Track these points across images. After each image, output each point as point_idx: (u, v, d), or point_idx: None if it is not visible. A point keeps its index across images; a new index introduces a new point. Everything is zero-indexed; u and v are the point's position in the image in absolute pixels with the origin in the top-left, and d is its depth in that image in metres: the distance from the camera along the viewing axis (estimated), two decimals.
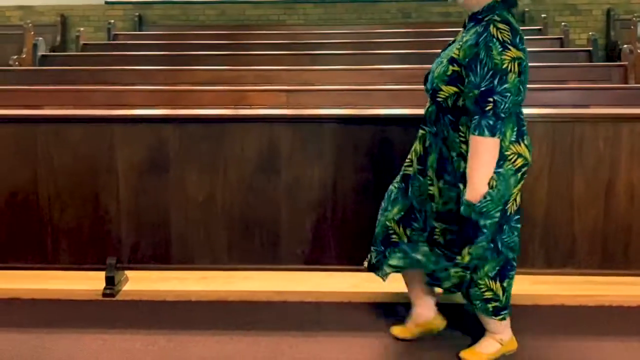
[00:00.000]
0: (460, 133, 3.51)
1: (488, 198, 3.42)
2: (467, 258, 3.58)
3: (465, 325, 4.11)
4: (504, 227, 3.61)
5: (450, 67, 3.49)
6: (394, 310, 4.35)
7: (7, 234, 4.66)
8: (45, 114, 4.87)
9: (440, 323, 4.04)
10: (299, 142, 4.52)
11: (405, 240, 3.80)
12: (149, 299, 4.52)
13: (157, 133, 4.57)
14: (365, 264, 3.97)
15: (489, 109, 3.35)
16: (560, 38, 8.51)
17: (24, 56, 8.73)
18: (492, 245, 3.61)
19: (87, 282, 4.64)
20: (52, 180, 4.60)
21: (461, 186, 3.51)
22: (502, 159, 3.45)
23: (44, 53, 7.73)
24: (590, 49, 7.53)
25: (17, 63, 7.85)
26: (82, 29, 9.25)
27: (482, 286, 3.70)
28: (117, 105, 5.35)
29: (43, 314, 4.35)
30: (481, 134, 3.36)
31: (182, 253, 4.62)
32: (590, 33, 8.07)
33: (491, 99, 3.34)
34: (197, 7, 11.47)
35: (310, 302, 4.43)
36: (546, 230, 4.50)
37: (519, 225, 3.69)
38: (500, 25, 3.39)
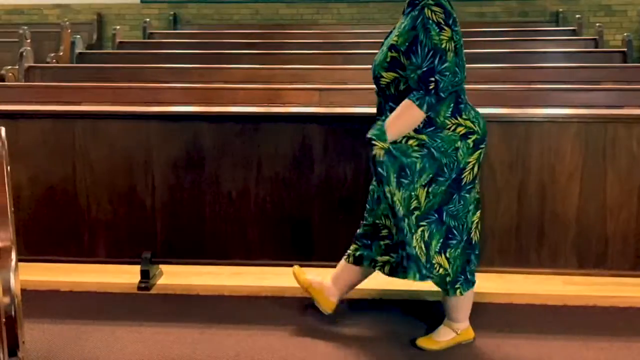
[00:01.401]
0: None
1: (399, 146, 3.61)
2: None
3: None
4: (454, 195, 3.73)
5: (389, 54, 3.66)
6: (424, 307, 4.37)
7: (46, 227, 4.74)
8: (83, 110, 4.94)
9: (329, 306, 4.11)
10: (332, 140, 4.55)
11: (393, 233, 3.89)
12: (183, 293, 4.58)
13: (192, 130, 4.62)
14: (350, 259, 4.06)
15: (432, 88, 3.51)
16: (595, 39, 8.47)
17: (61, 53, 8.83)
18: (436, 215, 3.71)
19: (123, 276, 4.71)
20: (90, 175, 4.67)
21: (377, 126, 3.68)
22: (438, 129, 3.62)
23: (81, 51, 7.81)
24: (625, 49, 7.48)
25: (54, 60, 7.94)
26: (118, 27, 9.34)
27: (435, 265, 3.76)
28: (153, 102, 5.41)
29: (80, 306, 4.42)
30: (420, 106, 3.54)
31: (215, 248, 4.66)
32: (625, 34, 8.03)
33: (433, 79, 3.51)
34: (231, 7, 11.54)
35: (343, 299, 4.46)
36: (579, 231, 4.49)
37: (467, 195, 3.76)
38: (435, 8, 3.56)
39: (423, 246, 3.71)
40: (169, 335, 4.07)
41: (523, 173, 4.46)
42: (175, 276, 4.77)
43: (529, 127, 4.45)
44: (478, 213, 3.85)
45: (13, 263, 3.08)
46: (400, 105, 3.61)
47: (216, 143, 4.61)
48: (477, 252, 3.89)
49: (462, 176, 3.70)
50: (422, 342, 3.96)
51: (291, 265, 4.41)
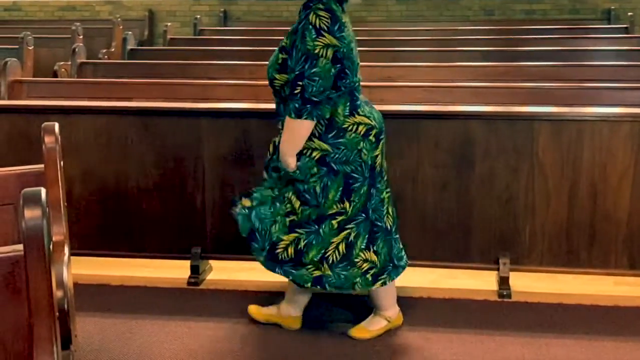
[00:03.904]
0: None
1: (303, 165, 3.69)
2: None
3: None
4: (372, 190, 3.80)
5: (280, 55, 3.72)
6: (470, 307, 4.36)
7: (97, 222, 4.81)
8: (135, 106, 4.98)
9: (294, 323, 4.15)
10: None
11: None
12: (232, 288, 4.62)
13: (242, 126, 4.65)
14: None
15: (297, 92, 3.58)
16: None
17: (113, 50, 8.91)
18: (363, 215, 3.79)
19: (173, 271, 4.76)
20: (141, 170, 4.73)
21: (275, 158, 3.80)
22: (340, 131, 3.70)
23: (132, 47, 7.88)
24: None
25: (106, 56, 8.02)
26: (169, 24, 9.42)
27: (358, 262, 3.83)
28: (204, 99, 5.44)
29: (131, 300, 4.48)
30: (289, 115, 3.62)
31: None
32: None
33: (300, 83, 3.57)
34: (281, 4, 11.57)
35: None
36: (630, 231, 4.44)
37: (379, 186, 3.85)
38: (321, 13, 3.58)
39: (343, 248, 3.80)
40: (218, 330, 4.11)
41: (574, 172, 4.42)
42: (224, 271, 4.82)
43: (580, 126, 4.41)
44: (388, 199, 3.94)
45: (66, 257, 3.13)
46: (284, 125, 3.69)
47: (266, 140, 4.61)
48: (396, 236, 3.99)
49: (375, 171, 3.80)
50: (354, 332, 4.03)
51: None
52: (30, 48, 7.64)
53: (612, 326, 4.13)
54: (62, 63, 7.06)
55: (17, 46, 7.61)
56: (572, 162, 4.42)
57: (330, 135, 3.69)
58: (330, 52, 3.56)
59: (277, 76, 3.74)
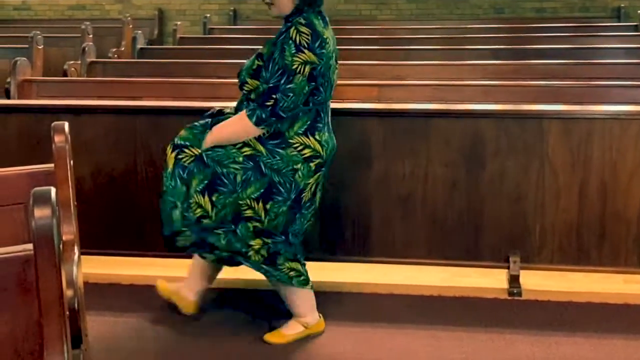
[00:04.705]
0: None
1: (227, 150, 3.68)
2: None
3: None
4: (297, 214, 3.79)
5: (256, 62, 3.75)
6: (480, 305, 4.36)
7: (107, 221, 4.82)
8: (144, 105, 4.99)
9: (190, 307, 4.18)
10: (390, 136, 4.55)
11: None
12: (243, 287, 4.61)
13: None
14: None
15: (269, 105, 3.59)
16: None
17: (122, 49, 8.92)
18: (283, 237, 3.79)
19: (183, 270, 4.73)
20: (151, 169, 4.72)
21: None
22: (283, 143, 3.70)
23: (142, 46, 7.89)
24: None
25: (116, 55, 8.04)
26: (178, 23, 9.43)
27: (283, 269, 3.87)
28: (213, 98, 5.43)
29: (140, 299, 4.47)
30: (250, 117, 3.63)
31: None
32: None
33: (274, 96, 3.58)
34: None
35: (400, 295, 4.46)
36: None
37: (306, 212, 3.83)
38: (302, 29, 3.60)
39: (265, 253, 3.83)
40: (228, 329, 4.13)
41: (584, 171, 4.41)
42: (235, 271, 4.76)
43: (590, 124, 4.40)
44: (312, 218, 3.96)
45: (76, 256, 3.13)
46: (235, 116, 3.70)
47: None
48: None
49: (302, 196, 3.78)
50: (269, 337, 4.01)
51: (350, 262, 4.43)
52: (39, 47, 7.66)
53: (622, 324, 4.12)
54: (71, 62, 7.07)
55: (26, 45, 7.64)
56: (582, 160, 4.41)
57: (271, 142, 3.69)
58: (307, 69, 3.58)
59: (249, 81, 3.76)
